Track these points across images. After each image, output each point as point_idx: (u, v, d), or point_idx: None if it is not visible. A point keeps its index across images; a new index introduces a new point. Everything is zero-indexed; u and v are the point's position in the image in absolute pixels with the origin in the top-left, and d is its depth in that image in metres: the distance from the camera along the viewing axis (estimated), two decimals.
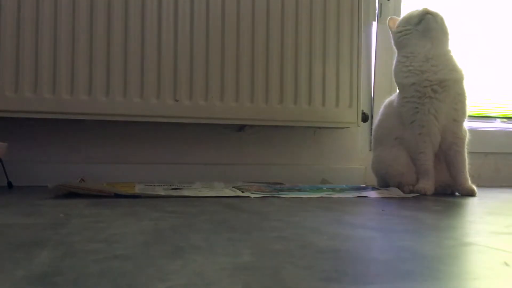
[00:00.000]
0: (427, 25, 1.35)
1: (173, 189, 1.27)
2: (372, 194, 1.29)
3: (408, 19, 1.39)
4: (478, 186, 1.37)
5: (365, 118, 1.65)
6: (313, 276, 0.45)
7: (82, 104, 1.38)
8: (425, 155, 1.34)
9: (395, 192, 1.32)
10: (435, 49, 1.34)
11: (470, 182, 1.36)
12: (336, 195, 1.24)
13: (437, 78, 1.32)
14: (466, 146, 1.38)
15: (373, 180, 1.60)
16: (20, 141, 1.44)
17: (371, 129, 1.73)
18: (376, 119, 1.50)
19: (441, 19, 1.38)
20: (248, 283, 0.41)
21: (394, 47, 1.43)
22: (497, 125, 1.96)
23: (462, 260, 0.57)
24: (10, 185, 1.32)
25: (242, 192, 1.24)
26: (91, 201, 1.02)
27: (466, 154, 1.37)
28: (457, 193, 1.37)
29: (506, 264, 0.50)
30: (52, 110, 1.37)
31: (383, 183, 1.44)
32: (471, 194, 1.33)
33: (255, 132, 1.64)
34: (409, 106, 1.35)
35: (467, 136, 1.39)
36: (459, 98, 1.35)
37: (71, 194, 1.12)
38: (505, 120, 1.97)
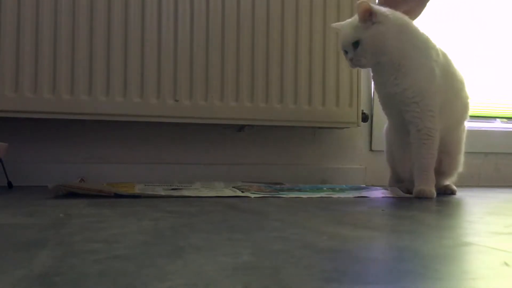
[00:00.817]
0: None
1: (173, 189, 1.27)
2: (372, 194, 1.29)
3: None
4: (478, 186, 1.37)
5: (365, 118, 1.65)
6: (313, 276, 0.45)
7: (82, 104, 1.38)
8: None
9: (395, 192, 1.32)
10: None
11: (426, 184, 1.22)
12: (336, 195, 1.24)
13: None
14: (431, 146, 1.23)
15: (373, 180, 1.60)
16: (20, 141, 1.44)
17: (371, 129, 1.74)
18: None
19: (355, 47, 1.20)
20: (248, 283, 0.41)
21: None
22: (497, 125, 1.96)
23: (462, 260, 0.57)
24: (10, 185, 1.32)
25: (242, 192, 1.24)
26: (91, 201, 1.02)
27: (428, 154, 1.23)
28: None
29: (506, 264, 0.50)
30: (52, 110, 1.37)
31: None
32: (421, 195, 1.22)
33: (255, 132, 1.63)
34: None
35: (433, 134, 1.22)
36: (402, 70, 1.21)
37: (71, 194, 1.12)
38: (505, 120, 1.97)
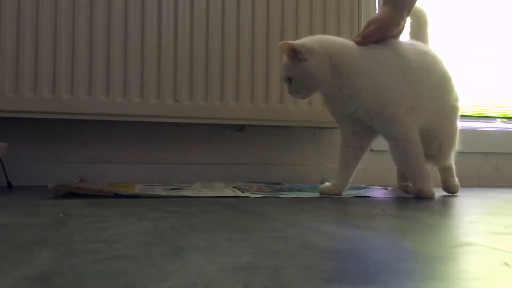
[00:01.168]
0: None
1: (173, 189, 1.27)
2: (372, 194, 1.29)
3: None
4: (478, 186, 1.36)
5: None
6: (313, 276, 0.45)
7: (82, 104, 1.38)
8: None
9: (395, 192, 1.32)
10: None
11: (424, 184, 1.20)
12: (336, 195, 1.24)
13: None
14: (414, 146, 1.19)
15: (373, 180, 1.60)
16: (20, 141, 1.44)
17: None
18: None
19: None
20: (248, 283, 0.41)
21: None
22: (497, 125, 1.96)
23: (462, 260, 0.57)
24: (10, 185, 1.32)
25: (242, 192, 1.24)
26: (91, 201, 1.02)
27: (413, 156, 1.19)
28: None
29: (506, 264, 0.50)
30: (52, 110, 1.37)
31: None
32: (420, 195, 1.20)
33: (255, 132, 1.63)
34: None
35: (410, 136, 1.18)
36: (347, 96, 1.18)
37: (71, 194, 1.12)
38: (505, 120, 1.97)
